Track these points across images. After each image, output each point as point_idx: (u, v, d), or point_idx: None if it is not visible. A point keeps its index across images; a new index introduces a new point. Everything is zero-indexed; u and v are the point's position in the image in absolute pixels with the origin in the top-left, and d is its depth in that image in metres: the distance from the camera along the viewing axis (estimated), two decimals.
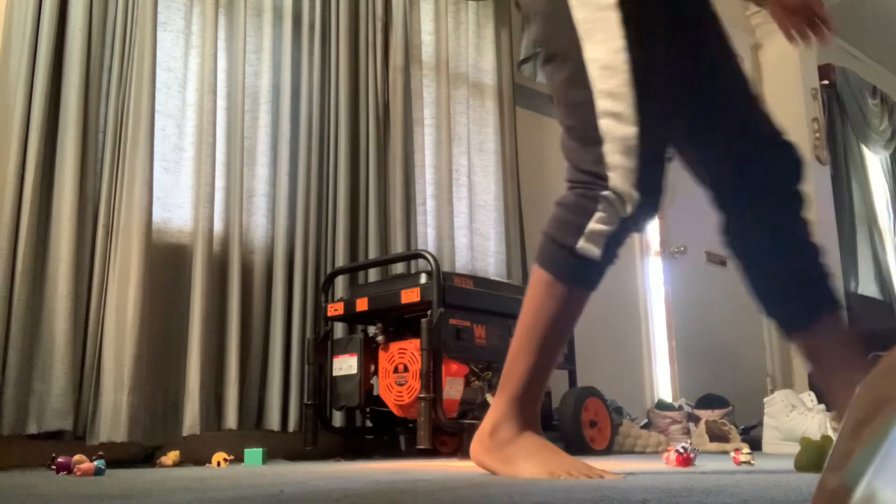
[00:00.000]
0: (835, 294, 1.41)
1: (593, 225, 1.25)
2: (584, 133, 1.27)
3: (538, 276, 1.31)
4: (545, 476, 1.21)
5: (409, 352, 2.23)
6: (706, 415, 2.91)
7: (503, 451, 1.30)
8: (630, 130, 1.23)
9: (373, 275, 2.73)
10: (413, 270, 2.75)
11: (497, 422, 1.33)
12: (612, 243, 1.27)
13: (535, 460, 1.25)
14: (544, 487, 0.99)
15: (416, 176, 2.96)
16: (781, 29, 1.43)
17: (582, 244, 1.26)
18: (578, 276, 1.28)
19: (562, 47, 1.31)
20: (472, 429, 2.25)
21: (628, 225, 1.26)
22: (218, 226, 2.45)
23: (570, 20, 1.29)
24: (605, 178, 1.24)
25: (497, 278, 2.96)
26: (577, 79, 1.28)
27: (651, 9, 1.31)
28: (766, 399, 2.67)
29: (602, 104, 1.25)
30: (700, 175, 1.53)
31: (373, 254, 2.73)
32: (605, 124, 1.24)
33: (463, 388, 2.27)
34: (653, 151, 1.26)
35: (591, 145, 1.25)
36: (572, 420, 2.34)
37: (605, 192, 1.24)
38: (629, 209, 1.24)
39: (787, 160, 1.41)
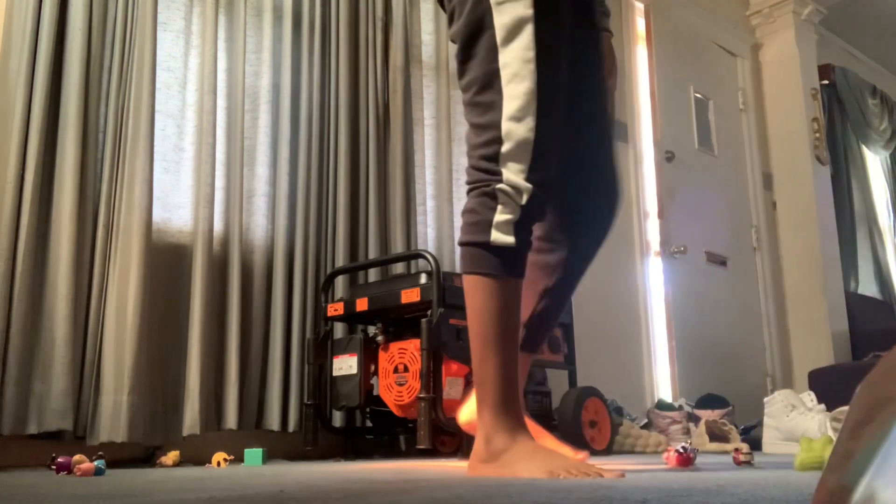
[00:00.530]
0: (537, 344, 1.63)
1: (498, 216, 1.34)
2: (488, 132, 1.37)
3: (469, 283, 1.38)
4: (544, 476, 1.22)
5: (409, 352, 2.23)
6: (706, 415, 2.91)
7: (500, 460, 1.31)
8: (529, 134, 1.34)
9: (373, 275, 2.73)
10: (413, 270, 2.75)
11: (488, 435, 1.34)
12: (521, 230, 1.35)
13: (532, 462, 1.26)
14: (544, 487, 0.99)
15: (416, 176, 2.96)
16: None
17: (495, 236, 1.34)
18: (502, 266, 1.35)
19: (479, 50, 1.40)
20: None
21: (529, 213, 1.35)
22: (218, 226, 2.45)
23: (491, 26, 1.38)
24: (499, 174, 1.34)
25: None
26: (490, 82, 1.37)
27: (558, 34, 1.41)
28: (766, 399, 2.67)
29: (508, 108, 1.35)
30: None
31: (373, 254, 2.73)
32: (507, 126, 1.34)
33: (463, 388, 2.27)
34: (547, 154, 1.36)
35: (493, 144, 1.35)
36: (572, 420, 2.34)
37: (500, 185, 1.34)
38: (524, 198, 1.34)
39: (608, 217, 1.60)
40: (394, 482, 1.19)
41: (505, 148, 1.34)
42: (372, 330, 2.45)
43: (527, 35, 1.35)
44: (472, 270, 1.37)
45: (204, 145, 2.42)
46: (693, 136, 4.29)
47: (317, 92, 2.73)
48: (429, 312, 2.17)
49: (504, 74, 1.36)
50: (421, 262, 2.67)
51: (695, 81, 4.38)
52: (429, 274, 2.24)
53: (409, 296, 2.24)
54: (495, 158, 1.34)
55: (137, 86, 2.27)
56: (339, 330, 2.58)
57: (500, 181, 1.33)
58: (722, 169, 4.45)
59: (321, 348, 2.44)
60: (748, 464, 1.58)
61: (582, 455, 1.46)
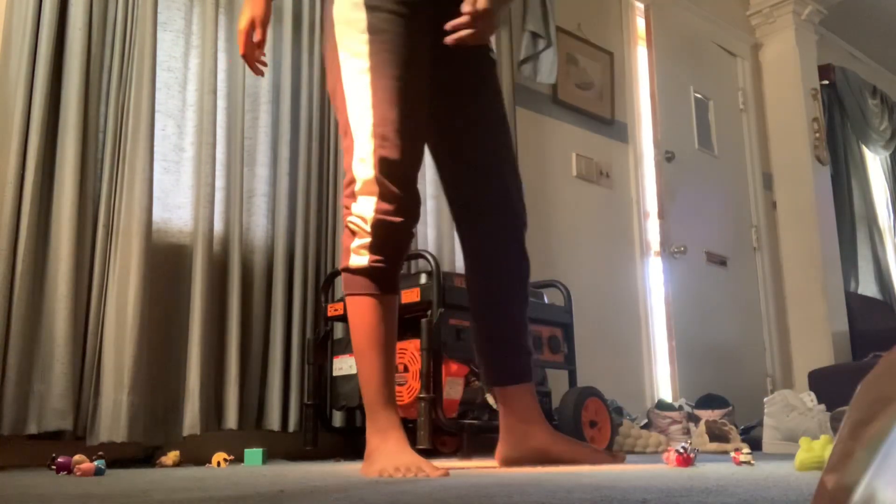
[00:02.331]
0: (520, 370, 1.73)
1: (354, 244, 1.54)
2: (347, 174, 1.58)
3: (347, 304, 1.57)
4: (374, 475, 1.39)
5: (409, 352, 2.23)
6: (706, 415, 2.90)
7: (370, 458, 1.48)
8: (370, 172, 1.53)
9: None
10: (413, 270, 2.75)
11: (368, 435, 1.53)
12: (375, 251, 1.52)
13: (380, 461, 1.43)
14: (544, 487, 0.99)
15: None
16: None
17: (352, 260, 1.54)
18: (361, 286, 1.54)
19: (337, 101, 1.62)
20: (472, 429, 2.26)
21: (377, 235, 1.52)
22: (218, 226, 2.45)
23: (341, 81, 1.60)
24: (350, 209, 1.55)
25: None
26: (345, 129, 1.61)
27: (403, 71, 1.57)
28: (766, 399, 2.67)
29: (356, 152, 1.57)
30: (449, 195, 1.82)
31: None
32: (356, 168, 1.56)
33: (463, 388, 2.27)
34: (397, 181, 1.53)
35: (349, 185, 1.57)
36: (572, 420, 2.34)
37: (350, 217, 1.55)
38: (369, 225, 1.52)
39: (514, 233, 1.76)
40: (394, 482, 1.19)
41: (356, 187, 1.54)
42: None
43: (364, 85, 1.55)
44: (345, 291, 1.57)
45: (204, 145, 2.42)
46: (693, 136, 4.29)
47: (317, 92, 2.73)
48: (429, 312, 2.17)
49: (352, 122, 1.56)
50: (421, 262, 2.67)
51: (695, 81, 4.38)
52: (429, 274, 2.24)
53: (409, 296, 2.24)
54: (351, 196, 1.55)
55: (137, 86, 2.26)
56: (339, 330, 2.58)
57: (351, 214, 1.54)
58: (722, 169, 4.45)
59: (321, 348, 2.44)
60: (748, 464, 1.58)
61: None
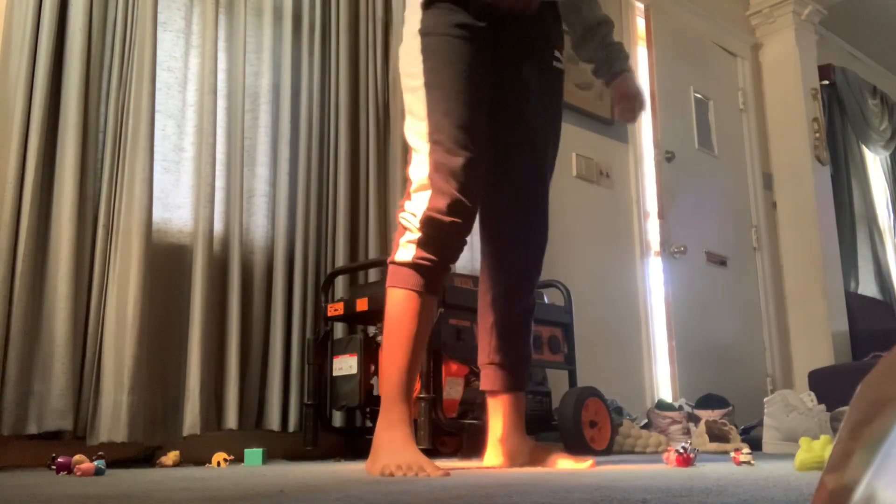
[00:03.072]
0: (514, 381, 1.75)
1: (403, 239, 1.58)
2: (408, 182, 1.63)
3: (387, 296, 1.61)
4: (376, 472, 1.41)
5: None
6: (706, 415, 2.90)
7: (376, 453, 1.49)
8: (425, 181, 1.57)
9: (373, 275, 2.73)
10: None
11: (378, 429, 1.55)
12: (422, 246, 1.55)
13: (383, 458, 1.45)
14: (544, 487, 0.99)
15: None
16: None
17: (398, 255, 1.57)
18: (402, 279, 1.57)
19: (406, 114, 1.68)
20: (472, 429, 2.26)
21: (426, 232, 1.55)
22: (218, 226, 2.45)
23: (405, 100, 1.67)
24: (404, 209, 1.60)
25: None
26: (413, 144, 1.64)
27: (465, 86, 1.61)
28: (766, 399, 2.67)
29: (413, 162, 1.62)
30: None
31: (373, 254, 2.73)
32: (412, 173, 1.62)
33: (463, 388, 2.27)
34: (447, 188, 1.55)
35: (407, 188, 1.63)
36: (572, 420, 2.34)
37: (403, 214, 1.59)
38: (418, 222, 1.55)
39: (526, 252, 1.77)
40: (394, 482, 1.19)
41: (412, 187, 1.59)
42: (372, 330, 2.45)
43: (420, 100, 1.60)
44: (387, 285, 1.61)
45: (204, 145, 2.42)
46: (693, 136, 4.29)
47: (317, 92, 2.73)
48: None
49: (411, 136, 1.62)
50: None
51: (695, 81, 4.38)
52: None
53: None
54: (407, 196, 1.60)
55: (137, 86, 2.26)
56: (339, 330, 2.58)
57: (404, 211, 1.59)
58: (722, 169, 4.45)
59: (321, 348, 2.44)
60: (748, 464, 1.58)
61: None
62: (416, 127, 1.61)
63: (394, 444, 1.47)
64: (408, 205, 1.58)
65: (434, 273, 1.56)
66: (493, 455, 1.74)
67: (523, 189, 1.76)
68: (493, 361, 1.76)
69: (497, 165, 1.72)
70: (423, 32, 1.62)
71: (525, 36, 1.74)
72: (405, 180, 1.66)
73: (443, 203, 1.53)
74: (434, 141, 1.56)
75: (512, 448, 1.71)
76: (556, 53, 1.80)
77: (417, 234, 1.54)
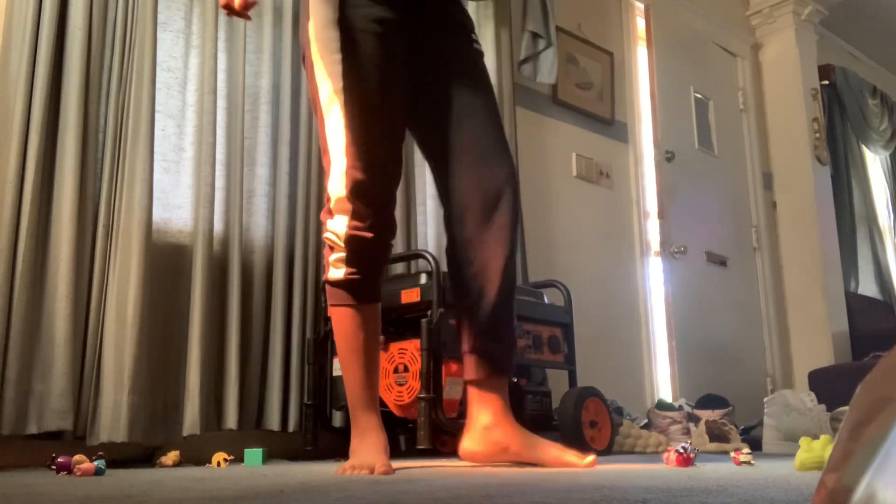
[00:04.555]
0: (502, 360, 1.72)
1: (332, 257, 1.63)
2: (325, 194, 1.67)
3: (330, 314, 1.68)
4: (338, 472, 1.50)
5: (409, 352, 2.23)
6: (706, 415, 2.90)
7: (351, 456, 1.59)
8: (342, 192, 1.61)
9: None
10: (413, 270, 2.75)
11: (352, 436, 1.64)
12: (351, 263, 1.60)
13: (351, 458, 1.56)
14: (544, 487, 0.99)
15: (416, 176, 2.95)
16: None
17: (330, 274, 1.63)
18: (338, 297, 1.63)
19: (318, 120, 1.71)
20: None
21: (351, 250, 1.60)
22: (218, 226, 2.45)
23: (318, 102, 1.69)
24: (326, 227, 1.64)
25: None
26: (325, 148, 1.68)
27: (374, 86, 1.63)
28: (766, 399, 2.67)
29: (331, 174, 1.66)
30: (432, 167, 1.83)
31: None
32: (330, 188, 1.65)
33: (463, 388, 2.26)
34: (366, 198, 1.59)
35: (326, 203, 1.66)
36: (572, 420, 2.34)
37: (326, 234, 1.63)
38: (342, 240, 1.60)
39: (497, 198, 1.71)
40: (394, 482, 1.19)
41: (332, 204, 1.62)
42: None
43: (338, 107, 1.60)
44: (328, 303, 1.68)
45: (204, 145, 2.42)
46: (693, 136, 4.29)
47: None
48: (429, 312, 2.17)
49: (328, 142, 1.63)
50: (421, 262, 2.67)
51: (695, 81, 4.38)
52: (429, 274, 2.24)
53: (409, 296, 2.24)
54: (328, 213, 1.63)
55: (137, 86, 2.26)
56: None
57: (327, 231, 1.63)
58: (722, 169, 4.45)
59: (321, 348, 2.44)
60: (748, 464, 1.58)
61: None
62: (333, 133, 1.62)
63: (363, 448, 1.57)
64: (330, 223, 1.62)
65: (367, 284, 1.63)
66: (473, 442, 1.68)
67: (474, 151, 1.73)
68: (473, 348, 1.70)
69: (439, 145, 1.74)
70: (343, 26, 1.61)
71: (440, 18, 1.77)
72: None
73: (364, 223, 1.59)
74: (352, 155, 1.59)
75: (501, 438, 1.66)
76: (473, 36, 1.81)
77: (343, 253, 1.60)
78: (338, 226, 1.61)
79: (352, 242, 1.59)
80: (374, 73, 1.61)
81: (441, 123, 1.73)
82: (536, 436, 1.71)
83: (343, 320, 1.64)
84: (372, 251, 1.61)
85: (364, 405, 1.63)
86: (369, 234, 1.59)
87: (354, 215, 1.59)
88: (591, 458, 1.60)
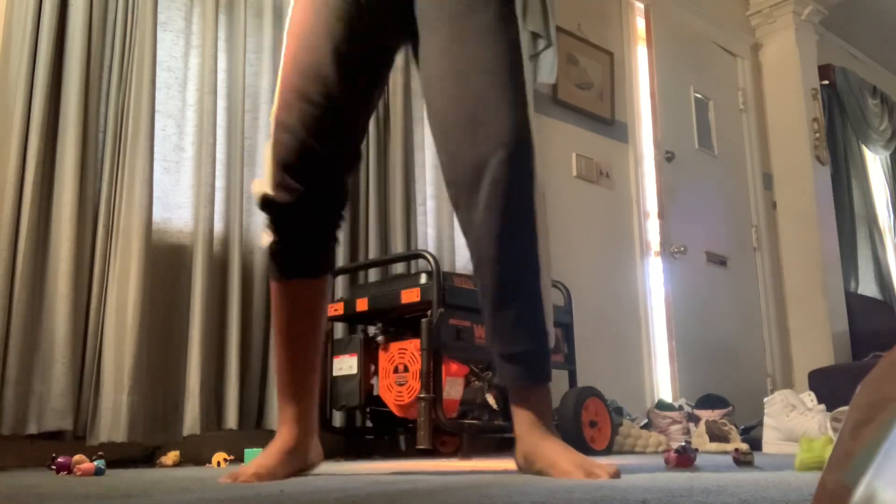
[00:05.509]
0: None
1: (264, 223, 1.42)
2: None
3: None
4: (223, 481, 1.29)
5: (409, 352, 2.23)
6: (706, 415, 2.90)
7: None
8: (268, 150, 1.40)
9: (373, 275, 2.73)
10: (413, 270, 2.75)
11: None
12: (275, 227, 1.40)
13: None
14: (544, 487, 0.99)
15: (416, 176, 2.95)
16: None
17: (263, 240, 1.42)
18: (270, 269, 1.44)
19: None
20: (472, 429, 2.26)
21: (268, 213, 1.40)
22: (218, 226, 2.45)
23: None
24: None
25: None
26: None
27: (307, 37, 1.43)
28: (766, 399, 2.67)
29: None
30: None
31: (373, 254, 2.73)
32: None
33: (463, 388, 2.27)
34: (286, 165, 1.38)
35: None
36: (572, 420, 2.34)
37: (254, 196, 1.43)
38: (259, 203, 1.40)
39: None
40: (394, 482, 1.19)
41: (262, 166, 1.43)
42: (372, 330, 2.45)
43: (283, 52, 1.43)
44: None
45: (204, 145, 2.42)
46: (693, 136, 4.29)
47: None
48: (429, 312, 2.17)
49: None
50: (421, 262, 2.67)
51: (695, 81, 4.38)
52: (429, 274, 2.24)
53: (409, 296, 2.24)
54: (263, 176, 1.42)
55: (137, 86, 2.26)
56: (338, 330, 2.58)
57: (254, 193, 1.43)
58: (722, 169, 4.45)
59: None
60: (748, 464, 1.58)
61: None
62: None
63: (267, 448, 1.41)
64: (254, 186, 1.45)
65: (289, 256, 1.41)
66: (516, 452, 1.43)
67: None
68: (496, 351, 1.41)
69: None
70: None
71: None
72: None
73: (279, 180, 1.37)
74: (278, 95, 1.41)
75: (526, 450, 1.38)
76: None
77: (266, 217, 1.41)
78: (259, 187, 1.41)
79: (264, 205, 1.39)
80: (308, 18, 1.43)
81: (428, 85, 1.46)
82: (560, 449, 1.34)
83: (272, 294, 1.45)
84: (291, 217, 1.39)
85: (283, 392, 1.45)
86: (284, 197, 1.37)
87: (272, 172, 1.37)
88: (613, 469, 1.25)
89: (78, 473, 1.50)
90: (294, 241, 1.42)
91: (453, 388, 2.21)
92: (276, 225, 1.40)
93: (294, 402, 1.45)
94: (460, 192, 1.38)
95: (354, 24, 1.43)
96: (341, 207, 1.46)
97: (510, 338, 1.39)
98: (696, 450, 1.59)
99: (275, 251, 1.42)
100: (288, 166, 1.37)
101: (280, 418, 1.45)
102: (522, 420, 1.38)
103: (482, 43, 1.40)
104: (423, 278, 2.26)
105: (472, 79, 1.38)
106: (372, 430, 2.53)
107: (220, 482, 1.24)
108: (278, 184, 1.37)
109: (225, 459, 1.94)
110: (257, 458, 1.37)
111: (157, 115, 2.34)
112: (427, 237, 2.96)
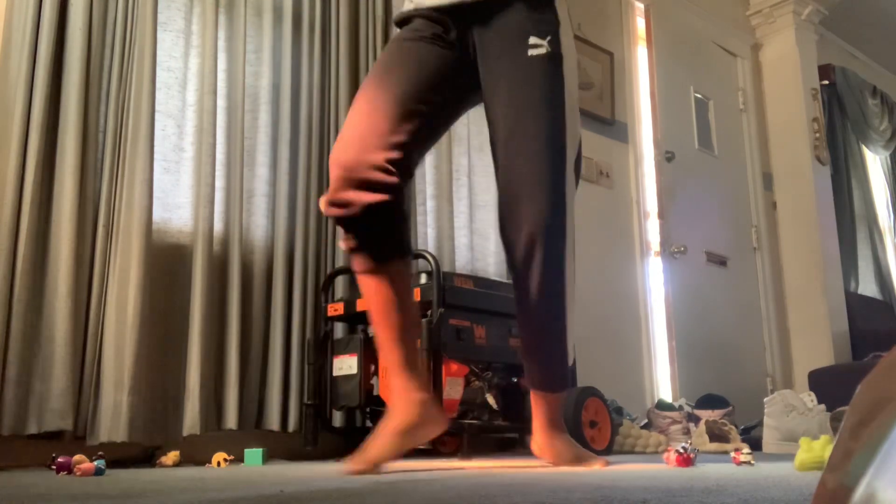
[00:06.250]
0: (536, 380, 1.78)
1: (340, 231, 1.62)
2: None
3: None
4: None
5: None
6: (706, 415, 2.90)
7: None
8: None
9: None
10: (413, 270, 2.75)
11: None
12: (350, 235, 1.58)
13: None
14: (544, 487, 0.99)
15: (416, 176, 2.95)
16: None
17: (341, 245, 1.64)
18: (357, 264, 1.62)
19: None
20: (472, 429, 2.26)
21: (338, 223, 1.59)
22: (218, 226, 2.45)
23: None
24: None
25: (497, 278, 2.95)
26: None
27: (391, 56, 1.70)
28: (766, 399, 2.67)
29: None
30: None
31: None
32: None
33: (463, 388, 2.27)
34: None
35: None
36: (572, 420, 2.34)
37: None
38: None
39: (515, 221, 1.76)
40: (394, 482, 1.19)
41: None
42: (372, 330, 2.45)
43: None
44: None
45: (204, 145, 2.42)
46: (693, 136, 4.29)
47: (317, 92, 2.73)
48: (429, 312, 2.17)
49: None
50: (421, 262, 2.67)
51: (695, 81, 4.38)
52: (429, 274, 2.24)
53: None
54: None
55: (137, 86, 2.26)
56: (339, 330, 2.58)
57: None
58: (722, 169, 4.45)
59: (321, 348, 2.44)
60: (748, 464, 1.58)
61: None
62: None
63: (379, 429, 1.61)
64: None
65: (364, 252, 1.59)
66: (531, 441, 1.81)
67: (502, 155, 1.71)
68: (523, 360, 1.80)
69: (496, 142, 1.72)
70: (394, 38, 1.76)
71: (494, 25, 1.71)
72: None
73: (336, 194, 1.56)
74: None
75: (540, 441, 1.76)
76: (531, 41, 1.67)
77: (342, 224, 1.61)
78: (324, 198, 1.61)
79: (333, 217, 1.60)
80: (384, 60, 1.68)
81: (494, 148, 1.72)
82: (563, 444, 1.77)
83: (363, 288, 1.65)
84: (353, 220, 1.56)
85: (393, 368, 1.64)
86: (339, 211, 1.55)
87: (330, 189, 1.57)
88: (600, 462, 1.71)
89: (78, 473, 1.50)
90: (368, 237, 1.59)
91: (453, 388, 2.21)
92: (345, 229, 1.59)
93: (401, 374, 1.63)
94: (509, 258, 1.78)
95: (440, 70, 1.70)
96: (402, 205, 1.62)
97: (544, 352, 1.78)
98: (697, 450, 1.60)
99: (350, 252, 1.61)
100: (344, 166, 1.56)
101: (393, 391, 1.64)
102: (539, 416, 1.75)
103: (535, 112, 1.67)
104: (423, 278, 2.26)
105: (517, 153, 1.67)
106: (372, 431, 2.52)
107: (344, 473, 1.45)
108: (338, 193, 1.55)
109: (225, 459, 1.94)
110: (367, 447, 1.54)
111: (157, 115, 2.34)
112: (427, 237, 2.96)
